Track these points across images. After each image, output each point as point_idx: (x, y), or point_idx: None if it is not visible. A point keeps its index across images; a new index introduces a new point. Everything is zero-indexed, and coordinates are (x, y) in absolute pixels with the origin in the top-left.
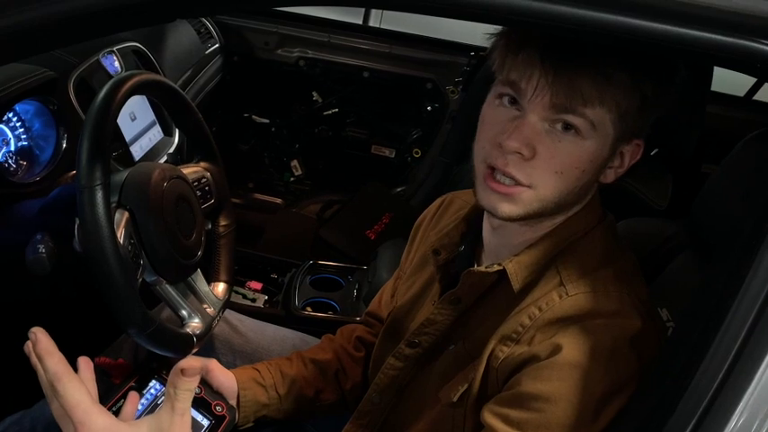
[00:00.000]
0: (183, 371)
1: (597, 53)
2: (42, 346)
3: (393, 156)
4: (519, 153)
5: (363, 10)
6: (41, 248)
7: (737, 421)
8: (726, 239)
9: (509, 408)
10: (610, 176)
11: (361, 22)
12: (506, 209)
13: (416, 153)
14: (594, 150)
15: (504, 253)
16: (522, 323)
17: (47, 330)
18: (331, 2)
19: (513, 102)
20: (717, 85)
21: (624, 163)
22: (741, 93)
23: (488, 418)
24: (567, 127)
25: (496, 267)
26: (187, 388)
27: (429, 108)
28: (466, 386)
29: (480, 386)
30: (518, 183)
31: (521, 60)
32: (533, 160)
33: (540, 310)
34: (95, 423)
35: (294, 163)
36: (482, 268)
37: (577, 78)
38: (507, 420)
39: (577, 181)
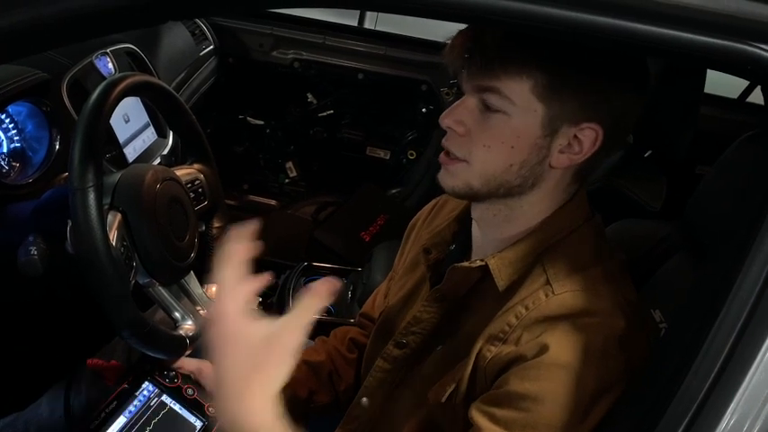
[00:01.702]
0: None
1: (503, 34)
2: (236, 249)
3: (388, 157)
4: (452, 129)
5: (358, 12)
6: (33, 250)
7: (729, 421)
8: (719, 240)
9: (496, 407)
10: (563, 161)
11: (356, 24)
12: (449, 182)
13: (411, 155)
14: (520, 126)
15: (490, 250)
16: (509, 323)
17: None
18: (324, 3)
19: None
20: (710, 87)
21: (583, 149)
22: (735, 95)
23: (475, 416)
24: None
25: (479, 263)
26: (309, 306)
27: (424, 110)
28: (454, 386)
29: (468, 386)
30: (455, 157)
31: (455, 51)
32: (467, 136)
33: (526, 309)
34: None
35: (289, 164)
36: (465, 264)
37: (484, 55)
38: (494, 419)
39: (509, 157)
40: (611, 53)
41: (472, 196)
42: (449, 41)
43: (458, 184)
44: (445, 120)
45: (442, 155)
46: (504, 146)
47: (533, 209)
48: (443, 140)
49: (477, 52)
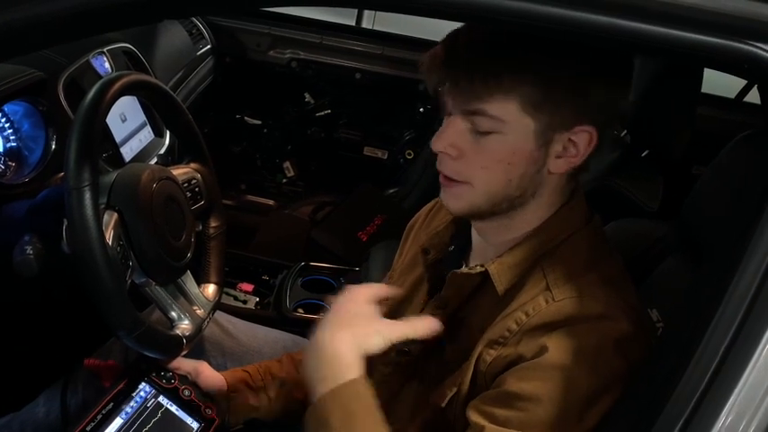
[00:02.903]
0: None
1: (485, 52)
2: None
3: (386, 157)
4: (446, 153)
5: (356, 11)
6: (29, 250)
7: (725, 421)
8: (715, 240)
9: (493, 406)
10: (562, 166)
11: (353, 24)
12: (452, 204)
13: (409, 154)
14: (515, 142)
15: (490, 254)
16: (509, 328)
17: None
18: (320, 2)
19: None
20: (707, 87)
21: (579, 152)
22: (732, 94)
23: (473, 415)
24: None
25: (479, 269)
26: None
27: (421, 110)
28: (455, 390)
29: (469, 389)
30: (455, 180)
31: (434, 70)
32: (462, 159)
33: (526, 315)
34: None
35: (286, 164)
36: (465, 270)
37: (469, 79)
38: (492, 418)
39: (508, 173)
40: (588, 50)
41: (478, 215)
42: (425, 58)
43: (463, 206)
44: (437, 144)
45: (441, 177)
46: (502, 164)
47: (535, 214)
48: (437, 164)
49: (458, 76)
